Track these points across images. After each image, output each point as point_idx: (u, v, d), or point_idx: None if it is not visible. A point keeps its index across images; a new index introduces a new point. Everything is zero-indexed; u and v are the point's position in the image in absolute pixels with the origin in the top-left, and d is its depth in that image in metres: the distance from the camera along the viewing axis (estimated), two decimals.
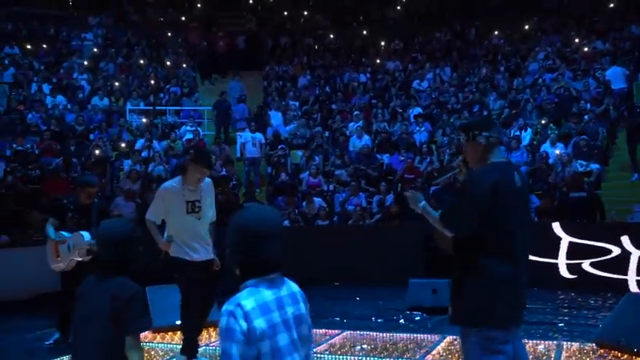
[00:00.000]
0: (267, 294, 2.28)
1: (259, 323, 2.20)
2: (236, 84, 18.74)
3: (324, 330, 7.06)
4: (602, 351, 5.80)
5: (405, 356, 5.88)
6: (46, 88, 17.28)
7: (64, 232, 6.67)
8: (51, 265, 6.76)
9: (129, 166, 13.95)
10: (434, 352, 6.00)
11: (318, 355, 5.98)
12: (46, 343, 6.79)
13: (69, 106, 16.69)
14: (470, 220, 3.42)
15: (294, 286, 2.43)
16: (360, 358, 5.85)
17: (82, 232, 6.52)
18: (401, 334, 6.79)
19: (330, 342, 6.55)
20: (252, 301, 2.24)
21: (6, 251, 10.19)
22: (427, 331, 7.01)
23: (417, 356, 5.85)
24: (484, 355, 3.38)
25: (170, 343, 6.68)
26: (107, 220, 3.42)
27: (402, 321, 7.72)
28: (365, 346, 6.37)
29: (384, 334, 6.82)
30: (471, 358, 3.48)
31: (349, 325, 7.43)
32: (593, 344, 5.96)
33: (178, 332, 6.94)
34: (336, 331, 7.00)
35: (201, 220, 5.50)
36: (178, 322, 6.95)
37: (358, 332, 6.97)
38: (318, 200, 12.68)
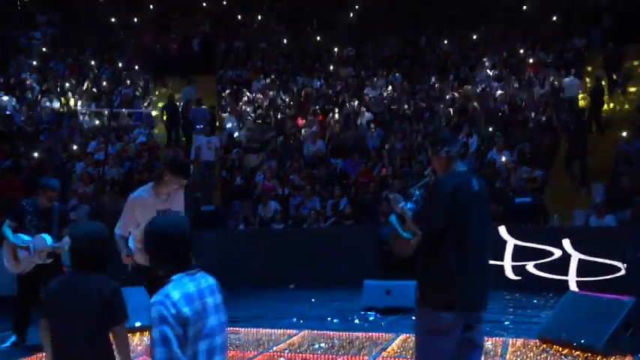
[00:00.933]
0: (190, 286, 2.66)
1: (186, 311, 2.58)
2: (190, 90, 18.70)
3: (282, 330, 7.25)
4: (544, 346, 6.17)
5: (362, 353, 6.12)
6: None
7: (22, 235, 6.65)
8: (9, 269, 6.72)
9: (81, 168, 13.80)
10: (389, 349, 6.26)
11: (279, 354, 6.15)
12: (3, 345, 6.74)
13: (17, 106, 16.35)
14: (437, 218, 3.95)
15: (211, 280, 2.79)
16: (319, 355, 6.05)
17: (42, 235, 6.53)
18: (357, 333, 7.04)
19: (288, 341, 6.73)
20: (178, 292, 2.62)
21: None
22: (382, 329, 7.27)
23: (374, 353, 6.09)
24: (431, 335, 3.90)
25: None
26: (82, 222, 3.55)
27: (357, 321, 7.96)
28: (323, 344, 6.58)
29: (341, 333, 7.05)
30: (420, 337, 4.03)
31: (307, 325, 7.62)
32: (537, 340, 6.33)
33: (137, 334, 7.03)
34: (294, 331, 7.20)
35: None
36: (138, 324, 7.09)
37: (316, 331, 7.18)
38: (273, 203, 12.84)
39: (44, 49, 19.89)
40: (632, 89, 16.32)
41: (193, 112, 16.80)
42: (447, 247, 3.95)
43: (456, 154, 4.17)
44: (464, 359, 4.01)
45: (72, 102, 17.24)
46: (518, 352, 6.01)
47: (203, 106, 17.08)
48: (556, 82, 16.80)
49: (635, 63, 17.40)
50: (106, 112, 13.73)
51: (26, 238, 6.62)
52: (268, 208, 12.68)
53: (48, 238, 6.47)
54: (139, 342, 6.76)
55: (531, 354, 5.95)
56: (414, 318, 4.37)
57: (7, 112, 15.57)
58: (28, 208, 6.76)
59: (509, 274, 9.95)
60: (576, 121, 13.30)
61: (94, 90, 18.04)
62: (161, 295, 2.61)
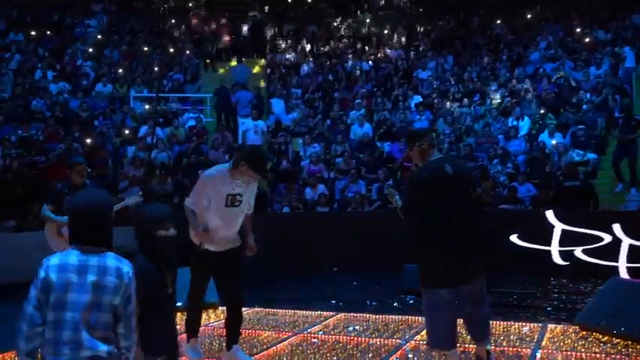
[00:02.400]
0: (73, 258, 2.79)
1: (53, 277, 2.73)
2: (242, 68, 18.87)
3: (319, 312, 7.30)
4: (583, 333, 6.01)
5: (395, 336, 6.10)
6: (50, 74, 17.48)
7: (60, 218, 6.86)
8: (53, 246, 6.94)
9: (132, 152, 14.16)
10: (423, 332, 6.20)
11: (313, 335, 6.20)
12: None
13: (73, 92, 16.88)
14: (414, 209, 4.57)
15: (111, 262, 2.83)
16: (350, 337, 6.07)
17: None
18: (393, 316, 7.03)
19: (324, 323, 6.78)
20: (57, 259, 2.80)
21: (12, 236, 10.43)
22: (420, 313, 7.21)
23: (407, 336, 6.07)
24: (432, 307, 4.58)
25: None
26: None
27: (396, 304, 7.94)
28: (357, 327, 6.60)
29: (377, 316, 7.05)
30: (425, 310, 4.70)
31: (344, 308, 7.66)
32: (576, 327, 6.17)
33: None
34: (331, 313, 7.24)
35: (237, 213, 5.19)
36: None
37: (352, 314, 7.20)
38: (320, 187, 12.91)
39: (99, 37, 20.41)
40: None
41: (237, 95, 16.93)
42: (430, 232, 4.50)
43: (429, 146, 4.69)
44: (470, 324, 4.75)
45: (124, 88, 17.65)
46: (555, 339, 5.87)
47: (245, 90, 17.20)
48: (613, 62, 16.13)
49: None
50: (156, 97, 13.95)
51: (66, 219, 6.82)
52: (316, 190, 12.74)
53: None
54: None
55: (569, 341, 5.80)
56: None
57: (63, 98, 16.09)
58: (64, 190, 6.92)
59: (557, 259, 9.72)
60: (626, 115, 12.56)
61: (146, 75, 18.41)
62: (47, 258, 2.83)
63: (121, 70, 18.50)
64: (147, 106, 16.71)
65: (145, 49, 20.12)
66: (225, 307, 5.52)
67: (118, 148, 14.79)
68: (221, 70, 20.28)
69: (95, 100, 16.68)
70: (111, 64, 18.89)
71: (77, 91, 16.91)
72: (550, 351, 5.44)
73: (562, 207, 10.16)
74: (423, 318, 6.80)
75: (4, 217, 10.79)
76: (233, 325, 5.30)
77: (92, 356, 2.72)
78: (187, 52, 20.46)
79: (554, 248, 9.75)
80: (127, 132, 15.32)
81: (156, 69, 18.82)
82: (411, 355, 5.42)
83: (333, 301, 8.14)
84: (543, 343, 5.70)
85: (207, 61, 20.54)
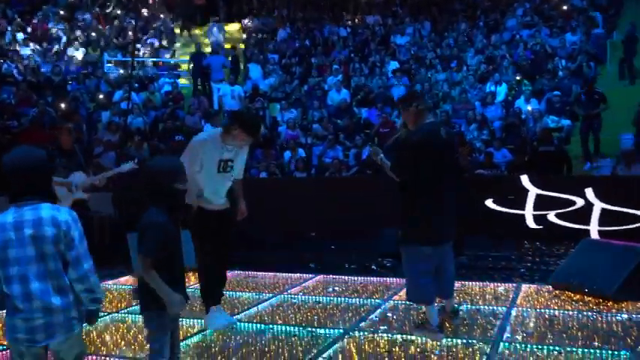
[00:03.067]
0: (9, 217, 2.84)
1: None
2: (217, 27, 18.61)
3: (298, 275, 7.38)
4: (556, 292, 6.17)
5: (374, 297, 6.20)
6: (20, 37, 17.06)
7: (55, 178, 6.86)
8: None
9: (107, 117, 13.98)
10: (401, 292, 6.32)
11: (293, 296, 6.28)
12: None
13: (44, 56, 16.52)
14: (408, 168, 4.72)
15: (46, 212, 2.84)
16: (331, 299, 6.16)
17: (75, 173, 6.80)
18: (372, 278, 7.12)
19: (303, 285, 6.85)
20: None
21: None
22: (397, 275, 7.34)
23: (386, 297, 6.17)
24: (414, 263, 4.82)
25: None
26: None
27: (374, 267, 8.04)
28: (337, 288, 6.69)
29: (356, 278, 7.14)
30: (406, 266, 4.90)
31: (323, 270, 7.72)
32: (549, 286, 6.34)
33: None
34: (310, 276, 7.32)
35: (228, 179, 5.16)
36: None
37: (331, 276, 7.29)
38: (300, 151, 12.93)
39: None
40: None
41: (209, 60, 16.73)
42: (418, 191, 4.71)
43: (425, 109, 4.86)
44: (439, 281, 4.95)
45: (98, 52, 17.31)
46: (530, 298, 6.02)
47: (218, 54, 16.99)
48: (588, 29, 16.27)
49: None
50: (131, 61, 13.74)
51: (61, 179, 6.85)
52: (295, 154, 12.75)
53: (80, 175, 6.69)
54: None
55: (542, 299, 5.95)
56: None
57: (34, 62, 15.74)
58: (53, 153, 6.96)
59: (531, 223, 9.90)
60: (588, 90, 12.36)
61: (120, 40, 18.07)
62: None
63: (94, 34, 18.12)
64: (121, 71, 16.45)
65: (119, 12, 19.70)
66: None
67: (92, 113, 14.57)
68: (197, 31, 19.97)
69: (67, 64, 16.35)
70: (83, 28, 18.49)
71: (49, 54, 16.54)
72: (524, 309, 5.58)
73: (536, 172, 10.31)
74: (401, 278, 6.98)
75: None
76: (218, 285, 5.36)
77: (44, 307, 2.81)
78: (162, 16, 20.10)
79: (529, 212, 9.92)
80: (101, 97, 15.09)
81: (130, 33, 18.47)
82: (389, 314, 5.52)
83: (312, 265, 8.22)
84: (518, 302, 5.84)
85: (182, 25, 20.21)
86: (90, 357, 4.40)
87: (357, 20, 20.56)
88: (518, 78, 14.67)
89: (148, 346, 3.35)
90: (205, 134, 5.30)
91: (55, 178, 6.81)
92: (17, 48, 16.35)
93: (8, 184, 2.89)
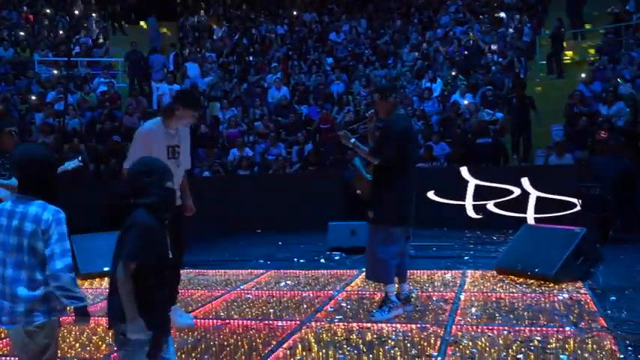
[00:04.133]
0: (8, 204, 3.07)
1: None
2: (152, 22, 18.29)
3: (249, 270, 7.40)
4: (501, 276, 6.44)
5: (327, 288, 6.30)
6: None
7: None
8: None
9: (40, 119, 13.53)
10: (352, 284, 6.46)
11: (246, 292, 6.30)
12: None
13: None
14: (392, 152, 4.96)
15: (33, 209, 3.00)
16: (285, 292, 6.21)
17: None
18: (322, 271, 7.23)
19: (255, 280, 6.89)
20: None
21: None
22: (346, 267, 7.47)
23: (338, 288, 6.27)
24: (386, 244, 5.07)
25: (99, 289, 6.81)
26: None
27: (322, 260, 8.14)
28: (289, 281, 6.75)
29: (307, 271, 7.23)
30: (378, 247, 5.10)
31: (273, 266, 7.78)
32: (494, 271, 6.60)
33: (106, 278, 7.09)
34: (261, 271, 7.36)
35: (180, 166, 5.15)
36: (106, 269, 7.14)
37: (282, 271, 7.35)
38: (247, 150, 12.91)
39: None
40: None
41: (151, 59, 16.47)
42: (396, 176, 5.02)
43: (399, 101, 5.31)
44: (400, 264, 5.25)
45: (27, 52, 16.72)
46: (476, 283, 6.26)
47: (157, 53, 16.75)
48: (519, 25, 16.90)
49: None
50: (64, 62, 13.35)
51: (4, 181, 6.61)
52: (243, 152, 12.71)
53: None
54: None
55: (488, 284, 6.20)
56: (369, 235, 5.28)
57: None
58: None
59: (471, 212, 10.24)
60: (518, 95, 12.19)
61: (50, 39, 17.51)
62: None
63: (22, 33, 17.48)
64: (55, 71, 15.95)
65: (48, 11, 19.07)
66: None
67: (25, 115, 14.06)
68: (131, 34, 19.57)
69: None
70: (10, 27, 17.81)
71: None
72: (472, 293, 5.80)
73: (475, 163, 10.67)
74: (351, 270, 7.12)
75: None
76: (172, 285, 5.29)
77: (11, 294, 2.96)
78: (94, 14, 19.59)
79: (469, 202, 10.26)
80: (33, 98, 14.58)
81: (61, 32, 17.93)
82: (344, 304, 5.62)
83: (261, 260, 8.25)
84: (465, 287, 6.07)
85: (115, 24, 19.75)
86: None
87: (293, 18, 20.62)
88: (453, 73, 15.08)
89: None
90: (149, 123, 5.25)
91: None
92: None
93: (16, 175, 3.15)
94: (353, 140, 5.16)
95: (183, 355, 4.40)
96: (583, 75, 13.75)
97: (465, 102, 13.39)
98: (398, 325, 4.86)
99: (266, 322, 5.11)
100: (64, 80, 12.67)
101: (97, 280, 7.22)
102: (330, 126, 13.45)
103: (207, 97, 15.44)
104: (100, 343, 4.75)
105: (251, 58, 17.81)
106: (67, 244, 2.98)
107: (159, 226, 3.00)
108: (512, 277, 6.34)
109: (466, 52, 15.97)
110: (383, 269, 5.10)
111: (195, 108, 5.17)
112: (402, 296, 5.38)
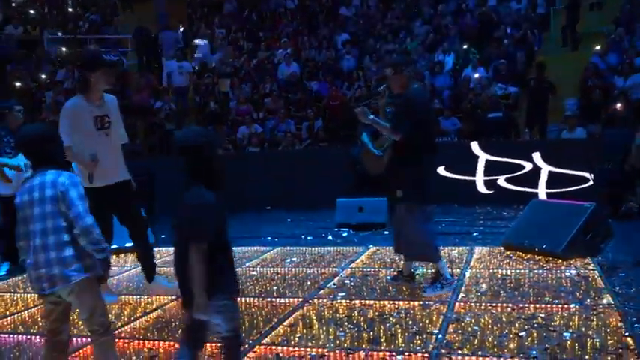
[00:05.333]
0: (27, 183, 3.26)
1: (17, 200, 3.25)
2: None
3: (256, 247, 7.38)
4: (508, 252, 6.36)
5: (332, 266, 6.26)
6: None
7: (3, 159, 6.65)
8: (1, 191, 6.72)
9: (51, 97, 13.55)
10: (358, 260, 6.42)
11: (251, 269, 6.28)
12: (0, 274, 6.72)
13: None
14: (413, 125, 4.81)
15: (49, 177, 3.20)
16: (289, 269, 6.19)
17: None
18: (328, 247, 7.20)
19: (261, 257, 6.87)
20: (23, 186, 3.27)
21: None
22: (354, 244, 7.43)
23: (343, 264, 6.23)
24: (424, 224, 5.01)
25: None
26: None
27: (330, 237, 8.11)
28: (294, 259, 6.72)
29: (313, 248, 7.20)
30: (417, 227, 4.95)
31: (281, 243, 7.76)
32: (501, 248, 6.52)
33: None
34: (268, 248, 7.34)
35: (111, 137, 5.11)
36: (129, 244, 7.24)
37: (288, 248, 7.33)
38: (257, 127, 12.86)
39: None
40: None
41: (162, 36, 16.39)
42: (420, 151, 4.87)
43: (413, 75, 5.15)
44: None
45: (37, 30, 16.71)
46: (483, 259, 6.18)
47: (168, 30, 16.66)
48: None
49: None
50: (74, 39, 13.34)
51: (9, 160, 6.64)
52: (252, 128, 12.67)
53: None
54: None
55: (495, 260, 6.12)
56: (401, 217, 5.06)
57: None
58: (1, 132, 6.75)
59: (481, 188, 10.13)
60: (537, 78, 11.93)
61: (60, 17, 17.48)
62: None
63: (32, 12, 17.46)
64: (63, 49, 15.93)
65: None
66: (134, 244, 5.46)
67: (35, 93, 14.10)
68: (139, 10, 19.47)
69: (6, 43, 15.73)
70: (21, 5, 17.77)
71: None
72: (478, 270, 5.73)
73: (485, 138, 10.52)
74: (358, 247, 7.07)
75: None
76: (145, 258, 5.40)
77: (44, 261, 3.14)
78: None
79: (479, 178, 10.14)
80: (43, 76, 14.59)
81: (70, 10, 17.87)
82: (347, 281, 5.58)
83: (269, 237, 8.23)
84: (472, 264, 5.99)
85: (124, 1, 19.66)
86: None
87: None
88: (465, 47, 14.83)
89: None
90: (72, 99, 5.17)
91: (3, 160, 6.63)
92: None
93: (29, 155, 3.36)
94: (372, 117, 4.96)
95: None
96: (598, 47, 13.44)
97: (477, 75, 13.18)
98: (400, 303, 4.81)
99: (268, 299, 5.08)
100: (74, 58, 12.65)
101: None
102: (340, 102, 13.33)
103: (216, 74, 15.36)
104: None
105: (261, 34, 17.64)
106: (87, 203, 3.16)
107: (219, 203, 2.98)
108: (520, 253, 6.26)
109: (479, 25, 15.67)
110: (430, 248, 5.00)
111: (102, 66, 4.98)
112: (405, 273, 5.33)
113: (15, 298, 5.64)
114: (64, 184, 3.15)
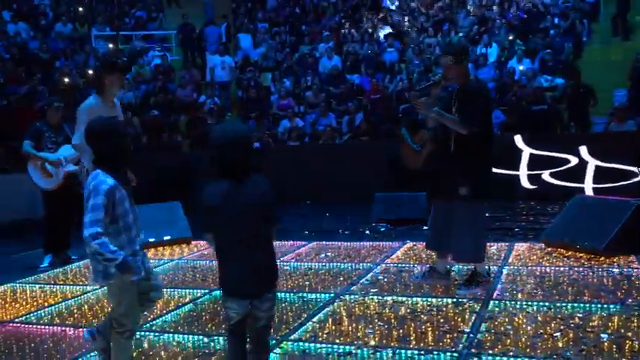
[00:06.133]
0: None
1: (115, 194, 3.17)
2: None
3: (291, 242, 7.37)
4: (549, 249, 6.17)
5: (366, 261, 6.20)
6: (6, 15, 16.82)
7: (43, 154, 6.83)
8: (42, 185, 6.90)
9: None
10: (393, 256, 6.33)
11: (285, 263, 6.27)
12: (41, 266, 6.86)
13: (31, 33, 16.31)
14: (485, 118, 4.72)
15: (90, 178, 3.21)
16: (322, 264, 6.15)
17: (64, 146, 6.83)
18: (364, 243, 7.13)
19: (296, 252, 6.85)
20: (111, 180, 3.17)
21: None
22: (391, 239, 7.34)
23: (378, 260, 6.16)
24: (481, 222, 4.94)
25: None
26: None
27: (367, 232, 8.04)
28: (329, 254, 6.68)
29: (349, 243, 7.15)
30: (474, 226, 4.78)
31: (318, 237, 7.72)
32: (542, 244, 6.33)
33: (152, 249, 7.24)
34: (303, 243, 7.32)
35: None
36: (167, 237, 7.37)
37: (324, 243, 7.29)
38: (298, 121, 12.87)
39: None
40: None
41: (205, 31, 16.55)
42: (486, 146, 4.73)
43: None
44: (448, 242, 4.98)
45: (85, 27, 17.10)
46: (522, 256, 6.01)
47: (213, 25, 16.81)
48: None
49: None
50: (118, 36, 13.61)
51: (50, 155, 6.82)
52: (293, 123, 12.68)
53: (68, 148, 6.66)
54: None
55: (534, 257, 5.95)
56: (460, 215, 4.81)
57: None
58: (43, 128, 6.93)
59: (525, 183, 9.89)
60: (574, 84, 11.50)
61: (107, 14, 17.84)
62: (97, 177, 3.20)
63: (80, 9, 17.88)
64: (110, 45, 16.25)
65: None
66: None
67: (82, 89, 14.41)
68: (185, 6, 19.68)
69: (55, 40, 16.16)
70: (70, 3, 18.22)
71: (36, 31, 16.34)
72: (516, 267, 5.58)
73: (530, 131, 10.25)
74: (394, 242, 6.99)
75: None
76: None
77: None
78: None
79: (522, 172, 9.90)
80: (90, 72, 14.91)
81: (116, 6, 18.22)
82: (381, 277, 5.51)
83: (306, 232, 8.21)
84: (510, 260, 5.84)
85: None
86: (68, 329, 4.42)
87: None
88: (510, 38, 14.48)
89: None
90: (88, 100, 5.47)
91: (44, 154, 6.80)
92: (3, 26, 16.13)
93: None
94: (436, 109, 4.71)
95: (213, 326, 4.40)
96: None
97: (521, 67, 12.86)
98: (433, 300, 4.71)
99: (300, 294, 5.06)
100: (119, 54, 12.90)
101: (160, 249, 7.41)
102: (381, 96, 13.21)
103: (258, 68, 15.42)
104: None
105: (304, 28, 17.62)
106: (98, 213, 3.06)
107: None
108: (561, 250, 6.07)
109: (525, 16, 15.28)
110: (482, 251, 4.88)
111: (117, 71, 5.37)
112: (441, 270, 5.23)
113: (54, 290, 5.77)
114: (89, 189, 3.15)
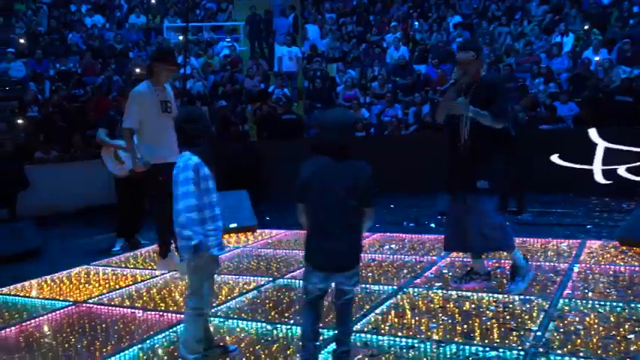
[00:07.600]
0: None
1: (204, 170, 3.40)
2: None
3: None
4: (623, 247, 5.91)
5: (431, 254, 6.11)
6: (84, 7, 17.46)
7: (117, 142, 7.05)
8: (115, 172, 7.16)
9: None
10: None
11: None
12: (114, 249, 7.12)
13: (107, 25, 16.87)
14: (507, 113, 4.76)
15: (179, 159, 3.41)
16: (386, 256, 6.11)
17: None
18: (429, 235, 7.03)
19: None
20: (196, 158, 3.39)
21: (55, 166, 10.69)
22: None
23: (442, 254, 6.06)
24: (499, 214, 4.82)
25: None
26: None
27: (432, 225, 7.93)
28: (393, 246, 6.63)
29: (413, 236, 7.07)
30: (496, 218, 4.65)
31: (382, 229, 7.66)
32: (616, 242, 6.07)
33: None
34: (368, 234, 7.27)
35: (172, 120, 5.16)
36: (233, 225, 7.47)
37: (388, 234, 7.23)
38: (364, 111, 12.81)
39: None
40: None
41: (276, 23, 16.68)
42: (502, 140, 4.69)
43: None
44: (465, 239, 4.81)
45: (158, 19, 17.53)
46: (594, 254, 5.79)
47: (284, 17, 16.90)
48: None
49: None
50: (188, 27, 13.85)
51: (123, 143, 7.03)
52: (359, 113, 12.63)
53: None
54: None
55: (608, 255, 5.71)
56: (474, 209, 4.62)
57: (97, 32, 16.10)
58: (116, 116, 7.14)
59: (599, 178, 9.52)
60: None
61: (179, 5, 18.22)
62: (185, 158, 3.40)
63: (153, 1, 18.34)
64: (180, 37, 16.59)
65: None
66: None
67: None
68: None
69: (129, 31, 16.65)
70: None
71: (111, 23, 16.88)
72: (588, 265, 5.37)
73: (609, 123, 9.81)
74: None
75: (46, 148, 11.03)
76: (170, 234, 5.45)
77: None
78: None
79: (597, 167, 9.53)
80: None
81: None
82: (445, 271, 5.43)
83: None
84: (582, 258, 5.63)
85: None
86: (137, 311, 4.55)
87: None
88: (586, 27, 13.91)
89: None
90: (139, 85, 5.73)
91: (117, 142, 7.01)
92: (81, 18, 16.75)
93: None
94: (472, 107, 4.51)
95: (276, 314, 4.44)
96: None
97: (597, 58, 12.34)
98: (500, 296, 4.60)
99: (362, 286, 5.03)
100: (189, 45, 13.14)
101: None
102: (448, 86, 12.94)
103: (325, 59, 15.42)
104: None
105: (371, 18, 17.49)
106: (188, 187, 3.29)
107: None
108: (637, 249, 5.80)
109: (602, 3, 14.64)
110: (505, 235, 4.65)
111: (170, 61, 5.65)
112: (480, 272, 4.96)
113: (125, 273, 5.97)
114: (178, 167, 3.37)
